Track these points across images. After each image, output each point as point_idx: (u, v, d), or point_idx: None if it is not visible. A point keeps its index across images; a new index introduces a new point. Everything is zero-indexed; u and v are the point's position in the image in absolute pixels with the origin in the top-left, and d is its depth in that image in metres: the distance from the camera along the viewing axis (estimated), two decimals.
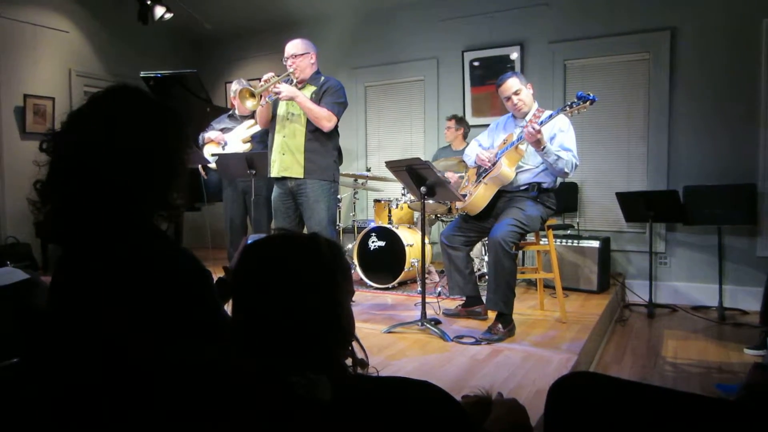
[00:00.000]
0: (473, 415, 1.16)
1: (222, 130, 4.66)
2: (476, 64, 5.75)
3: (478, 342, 3.07)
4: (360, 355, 1.01)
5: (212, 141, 4.61)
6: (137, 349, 1.02)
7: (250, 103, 3.46)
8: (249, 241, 1.05)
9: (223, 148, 4.51)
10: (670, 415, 0.97)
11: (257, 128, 4.33)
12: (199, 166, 4.66)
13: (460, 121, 5.34)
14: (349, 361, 0.96)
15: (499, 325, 3.17)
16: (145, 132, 1.13)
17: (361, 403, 0.85)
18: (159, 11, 5.93)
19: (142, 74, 5.19)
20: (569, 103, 3.16)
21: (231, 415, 0.85)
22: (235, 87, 4.51)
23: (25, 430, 1.13)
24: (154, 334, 1.02)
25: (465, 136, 5.32)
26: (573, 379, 1.09)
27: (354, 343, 0.99)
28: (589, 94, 3.09)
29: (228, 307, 1.04)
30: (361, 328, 3.52)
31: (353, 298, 3.94)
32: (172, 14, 6.04)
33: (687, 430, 0.97)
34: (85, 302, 1.08)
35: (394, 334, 3.27)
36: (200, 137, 4.69)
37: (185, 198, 1.24)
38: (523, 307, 3.95)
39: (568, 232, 5.03)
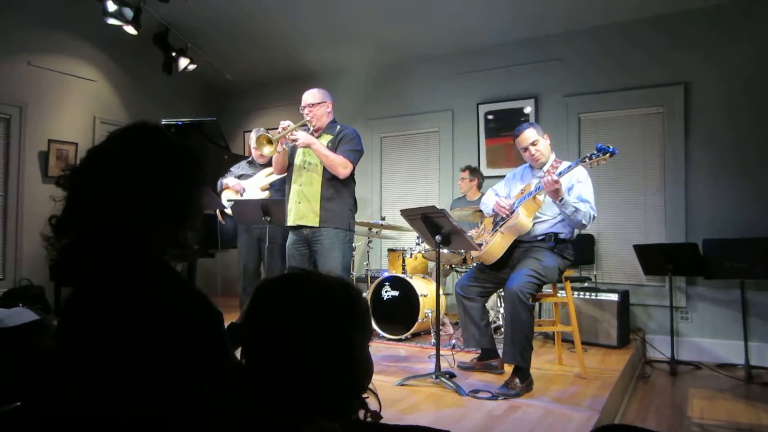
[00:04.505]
0: None
1: (241, 176, 4.70)
2: (491, 117, 5.81)
3: (494, 397, 2.96)
4: (375, 406, 0.96)
5: (230, 188, 4.64)
6: (144, 392, 0.97)
7: (267, 150, 3.49)
8: None
9: (242, 195, 4.54)
10: None
11: (276, 176, 4.36)
12: (218, 212, 4.68)
13: (473, 171, 5.35)
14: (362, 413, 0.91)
15: (517, 380, 3.06)
16: (161, 170, 1.13)
17: None
18: (183, 62, 6.12)
19: (164, 122, 5.30)
20: (589, 155, 3.15)
21: None
22: (254, 135, 4.58)
23: None
24: (163, 376, 0.98)
25: (479, 187, 5.32)
26: None
27: (370, 393, 0.94)
28: (608, 147, 3.07)
29: (238, 353, 1.00)
30: (374, 380, 3.42)
31: None
32: (195, 65, 6.23)
33: None
34: (93, 342, 1.04)
35: (407, 387, 3.16)
36: (219, 183, 4.73)
37: (199, 238, 1.22)
38: (541, 362, 3.83)
39: (586, 284, 4.93)
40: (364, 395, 0.93)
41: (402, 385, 3.19)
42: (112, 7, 5.10)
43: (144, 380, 0.98)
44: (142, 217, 1.09)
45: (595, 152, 3.12)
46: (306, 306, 0.86)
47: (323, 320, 0.85)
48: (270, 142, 3.48)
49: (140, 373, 0.98)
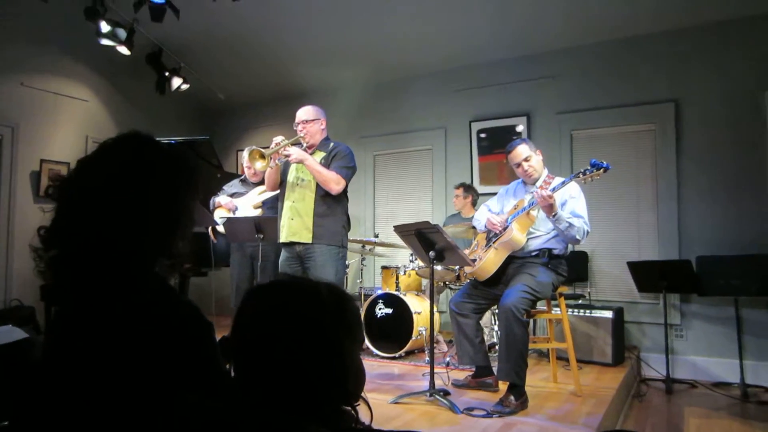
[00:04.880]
0: None
1: (233, 194, 4.69)
2: (483, 135, 5.84)
3: (489, 415, 2.93)
4: (366, 414, 0.94)
5: (222, 206, 4.63)
6: (135, 402, 0.95)
7: (259, 164, 3.49)
8: None
9: (234, 213, 4.53)
10: None
11: (268, 194, 4.36)
12: (209, 230, 4.66)
13: (468, 189, 5.36)
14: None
15: (512, 397, 3.03)
16: (152, 179, 1.12)
17: None
18: (176, 82, 6.15)
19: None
20: (582, 170, 3.16)
21: None
22: (246, 152, 4.58)
23: None
24: (153, 386, 0.96)
25: (474, 204, 5.32)
26: None
27: (361, 401, 0.93)
28: (602, 162, 3.08)
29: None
30: (367, 398, 3.38)
31: None
32: (188, 85, 6.25)
33: None
34: (82, 353, 1.02)
35: (401, 405, 3.12)
36: (211, 201, 4.72)
37: (189, 248, 1.21)
38: (535, 379, 3.80)
39: (580, 301, 4.91)
40: (356, 404, 0.91)
41: (396, 402, 3.14)
42: (105, 27, 5.12)
43: (134, 391, 0.96)
44: (133, 227, 1.08)
45: (589, 168, 3.12)
46: (293, 311, 0.85)
47: (311, 325, 0.84)
48: (262, 156, 3.47)
49: (130, 384, 0.96)
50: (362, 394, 0.94)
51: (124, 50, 5.35)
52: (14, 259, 5.38)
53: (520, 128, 5.65)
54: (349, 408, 0.89)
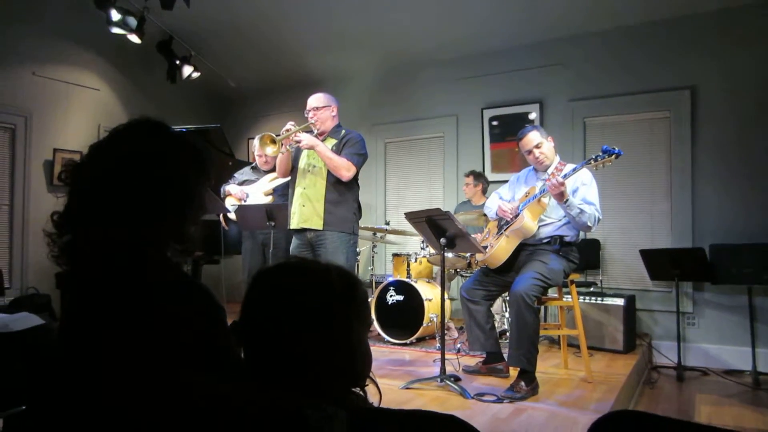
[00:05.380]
0: None
1: (244, 182, 4.71)
2: (495, 122, 5.81)
3: (500, 400, 2.94)
4: (374, 394, 0.95)
5: (232, 195, 4.65)
6: (148, 385, 0.97)
7: (270, 149, 3.49)
8: None
9: (244, 202, 4.54)
10: None
11: (279, 181, 4.37)
12: (221, 217, 4.69)
13: (478, 176, 5.34)
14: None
15: (522, 383, 3.04)
16: (163, 163, 1.12)
17: None
18: (187, 70, 6.16)
19: None
20: (594, 157, 3.14)
21: None
22: (257, 140, 4.60)
23: None
24: (165, 369, 0.97)
25: (484, 192, 5.31)
26: (616, 418, 1.00)
27: (369, 382, 0.93)
28: (614, 148, 3.06)
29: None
30: (379, 384, 3.39)
31: None
32: (199, 73, 6.26)
33: None
34: (96, 337, 1.04)
35: (412, 390, 3.15)
36: (222, 189, 4.74)
37: (200, 232, 1.22)
38: (546, 366, 3.80)
39: (591, 289, 4.90)
40: (365, 385, 0.92)
41: (407, 388, 3.17)
42: (115, 16, 5.13)
43: (147, 374, 0.97)
44: (145, 211, 1.09)
45: (601, 154, 3.10)
46: (302, 293, 0.86)
47: (320, 307, 0.85)
48: (273, 141, 3.48)
49: (143, 367, 0.98)
50: (370, 376, 0.95)
51: (134, 38, 5.36)
52: (29, 247, 5.45)
53: (532, 115, 5.61)
54: (358, 389, 0.90)
